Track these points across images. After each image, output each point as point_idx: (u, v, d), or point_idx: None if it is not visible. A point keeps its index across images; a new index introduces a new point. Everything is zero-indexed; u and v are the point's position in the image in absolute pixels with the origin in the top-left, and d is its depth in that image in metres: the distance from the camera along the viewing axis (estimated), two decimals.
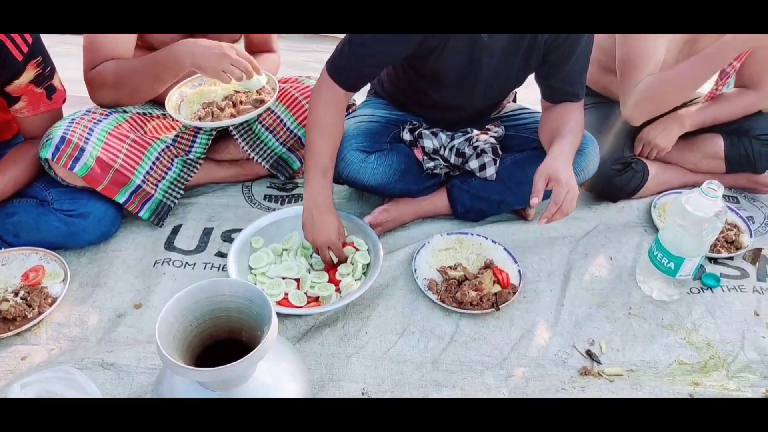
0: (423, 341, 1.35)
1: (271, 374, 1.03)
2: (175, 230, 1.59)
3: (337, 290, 1.40)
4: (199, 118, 1.55)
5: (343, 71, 1.38)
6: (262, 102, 1.60)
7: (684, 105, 1.72)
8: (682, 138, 1.69)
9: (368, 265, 1.45)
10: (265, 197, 1.73)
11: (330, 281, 1.43)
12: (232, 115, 1.56)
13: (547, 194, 1.33)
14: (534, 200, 1.29)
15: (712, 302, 1.46)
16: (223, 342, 1.06)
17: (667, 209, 1.67)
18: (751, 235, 1.61)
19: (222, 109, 1.57)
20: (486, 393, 1.25)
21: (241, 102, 1.61)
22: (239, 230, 1.54)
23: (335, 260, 1.44)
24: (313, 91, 1.42)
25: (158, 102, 1.67)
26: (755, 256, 1.57)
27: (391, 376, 1.27)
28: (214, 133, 1.61)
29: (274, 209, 1.67)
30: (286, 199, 1.72)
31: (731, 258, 1.57)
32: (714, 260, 1.57)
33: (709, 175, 1.76)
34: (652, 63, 1.52)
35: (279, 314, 1.32)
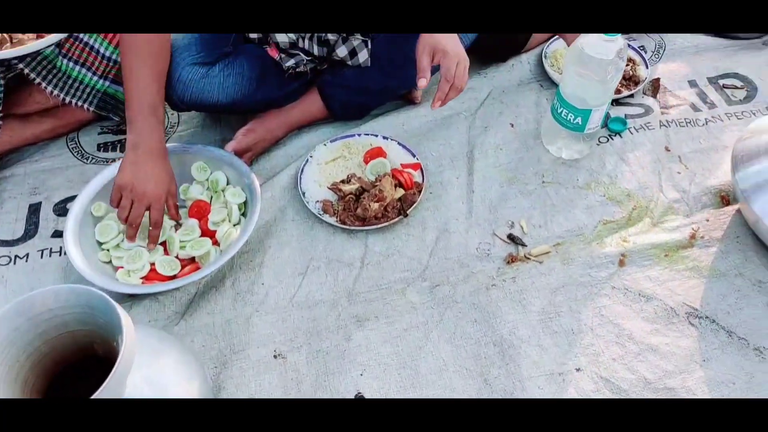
0: (331, 274, 1.16)
1: (150, 383, 0.81)
2: None
3: (215, 243, 1.16)
4: None
5: None
6: None
7: None
8: None
9: (245, 203, 1.20)
10: (99, 147, 1.39)
11: (203, 235, 1.18)
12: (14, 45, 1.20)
13: (434, 70, 1.12)
14: (422, 81, 1.07)
15: (622, 148, 1.36)
16: (76, 363, 0.81)
17: (561, 56, 1.52)
18: (647, 66, 1.50)
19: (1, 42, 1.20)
20: (413, 312, 1.10)
21: None
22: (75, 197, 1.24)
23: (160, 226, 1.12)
24: None
25: None
26: (655, 87, 1.47)
27: (304, 326, 1.09)
28: (1, 83, 1.23)
29: (114, 160, 1.35)
30: (125, 143, 1.39)
31: (632, 95, 1.46)
32: (616, 102, 1.45)
33: None
34: None
35: (148, 294, 1.09)
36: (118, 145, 1.39)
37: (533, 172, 1.32)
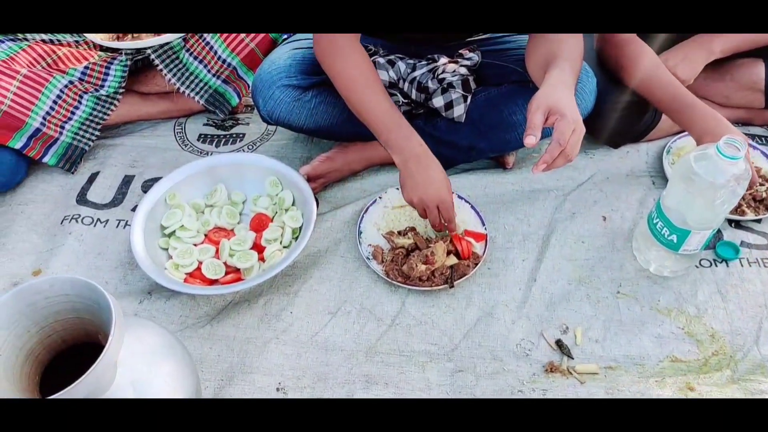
0: (359, 323, 1.13)
1: (136, 389, 0.84)
2: (92, 179, 1.38)
3: (261, 259, 1.18)
4: (117, 38, 1.31)
5: None
6: None
7: None
8: (711, 63, 1.32)
9: (300, 228, 1.21)
10: (199, 137, 1.48)
11: (254, 248, 1.20)
12: (156, 35, 1.31)
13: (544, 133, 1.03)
14: (530, 139, 0.94)
15: (725, 280, 1.17)
16: (80, 346, 0.87)
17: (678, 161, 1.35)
18: None
19: None
20: (425, 392, 1.04)
21: None
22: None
23: (449, 224, 1.17)
24: (321, 58, 1.15)
25: None
26: None
27: (315, 368, 1.07)
28: (130, 63, 1.35)
29: (207, 153, 1.43)
30: (223, 140, 1.47)
31: (758, 221, 1.26)
32: (736, 223, 1.26)
33: (742, 110, 1.41)
34: None
35: (182, 293, 1.13)
36: (215, 140, 1.47)
37: (610, 278, 1.19)
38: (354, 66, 1.12)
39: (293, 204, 1.25)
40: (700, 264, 1.20)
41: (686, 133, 1.38)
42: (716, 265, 1.20)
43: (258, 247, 1.20)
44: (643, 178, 1.36)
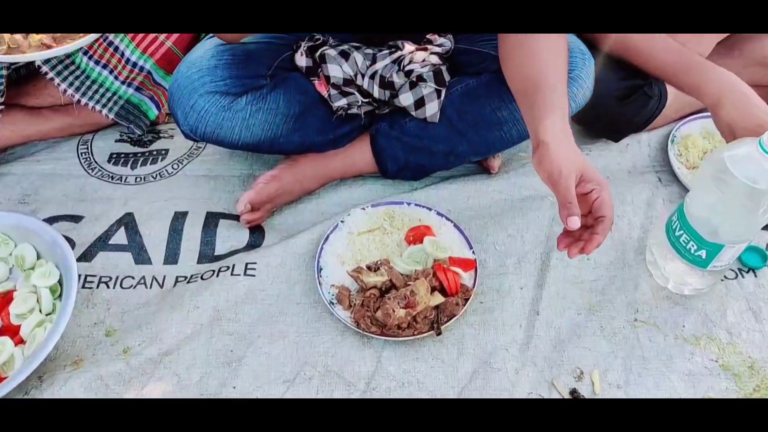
0: (324, 392, 0.89)
1: None
2: None
3: (20, 342, 0.89)
4: None
5: None
6: None
7: None
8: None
9: (60, 282, 0.93)
10: (110, 157, 1.19)
11: (5, 332, 0.89)
12: (44, 45, 1.01)
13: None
14: (574, 221, 0.75)
15: (756, 294, 1.00)
16: None
17: (694, 145, 1.16)
18: None
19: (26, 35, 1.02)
20: None
21: None
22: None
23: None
24: None
25: None
26: None
27: None
28: (8, 72, 1.05)
29: (121, 178, 1.15)
30: (141, 159, 1.18)
31: None
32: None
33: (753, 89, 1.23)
34: None
35: None
36: (131, 159, 1.18)
37: (625, 301, 0.99)
38: None
39: (38, 258, 0.97)
40: (723, 276, 1.02)
41: (690, 117, 1.20)
42: (742, 276, 1.02)
43: (10, 330, 0.90)
44: (647, 175, 1.16)
